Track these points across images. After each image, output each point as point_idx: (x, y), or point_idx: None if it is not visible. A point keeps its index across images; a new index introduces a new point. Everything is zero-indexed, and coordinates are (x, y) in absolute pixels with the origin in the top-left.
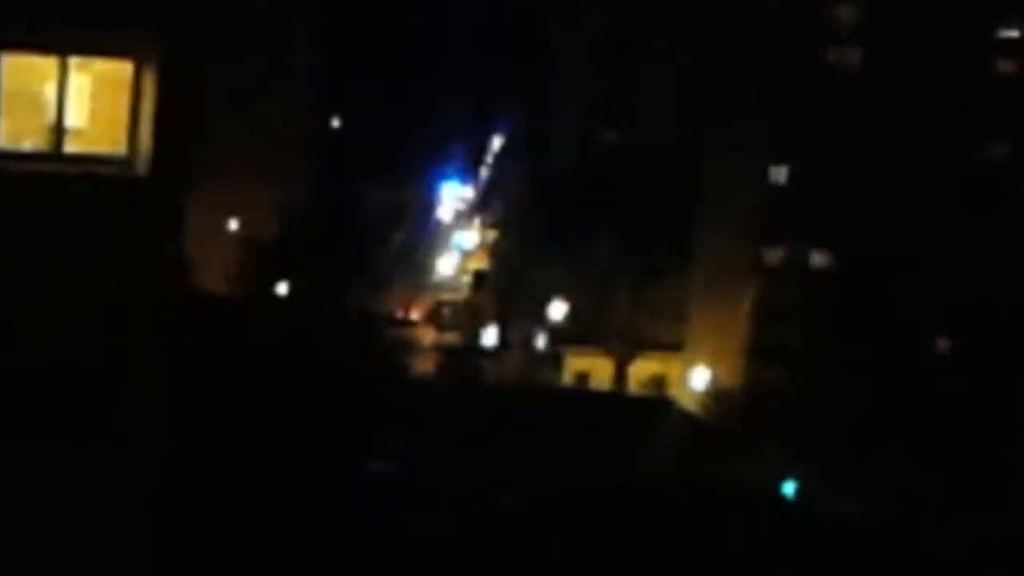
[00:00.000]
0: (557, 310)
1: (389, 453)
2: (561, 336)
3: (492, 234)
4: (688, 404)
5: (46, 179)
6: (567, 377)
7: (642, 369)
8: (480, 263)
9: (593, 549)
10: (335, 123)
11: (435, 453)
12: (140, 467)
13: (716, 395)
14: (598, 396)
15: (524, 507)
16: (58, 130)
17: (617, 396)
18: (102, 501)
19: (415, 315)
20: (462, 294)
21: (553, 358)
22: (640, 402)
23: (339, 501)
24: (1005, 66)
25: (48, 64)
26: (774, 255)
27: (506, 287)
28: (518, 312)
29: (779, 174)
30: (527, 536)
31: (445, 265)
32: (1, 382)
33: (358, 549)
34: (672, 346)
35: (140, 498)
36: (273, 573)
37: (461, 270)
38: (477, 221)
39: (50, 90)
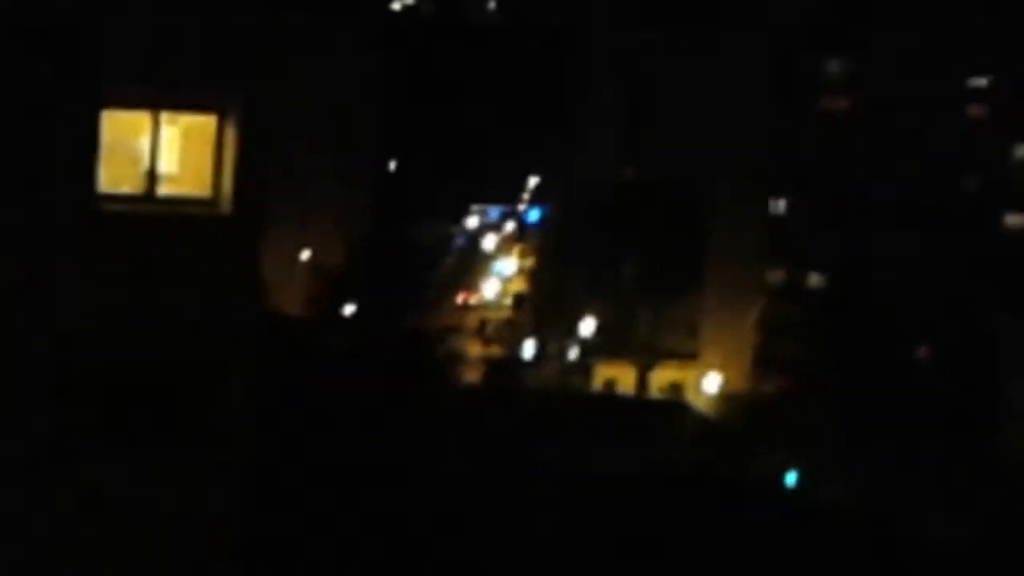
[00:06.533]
0: (587, 326)
1: (446, 450)
2: (591, 348)
3: (529, 261)
4: (702, 407)
5: (142, 218)
6: (597, 384)
7: (661, 376)
8: (519, 287)
9: (616, 531)
10: (392, 166)
11: (485, 449)
12: (237, 465)
13: (726, 399)
14: (623, 400)
15: (558, 494)
16: (151, 176)
17: (639, 400)
18: (205, 496)
19: (473, 300)
20: (504, 313)
21: (584, 368)
22: (659, 405)
23: (410, 496)
24: (974, 110)
25: (142, 119)
26: (776, 276)
27: (542, 306)
28: (553, 328)
29: (778, 206)
30: (561, 518)
31: (488, 289)
32: (111, 393)
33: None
34: (688, 355)
35: (237, 493)
36: (356, 568)
37: (502, 293)
38: (516, 250)
39: (144, 142)
